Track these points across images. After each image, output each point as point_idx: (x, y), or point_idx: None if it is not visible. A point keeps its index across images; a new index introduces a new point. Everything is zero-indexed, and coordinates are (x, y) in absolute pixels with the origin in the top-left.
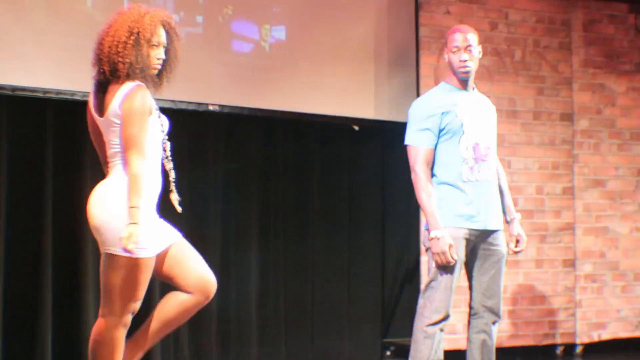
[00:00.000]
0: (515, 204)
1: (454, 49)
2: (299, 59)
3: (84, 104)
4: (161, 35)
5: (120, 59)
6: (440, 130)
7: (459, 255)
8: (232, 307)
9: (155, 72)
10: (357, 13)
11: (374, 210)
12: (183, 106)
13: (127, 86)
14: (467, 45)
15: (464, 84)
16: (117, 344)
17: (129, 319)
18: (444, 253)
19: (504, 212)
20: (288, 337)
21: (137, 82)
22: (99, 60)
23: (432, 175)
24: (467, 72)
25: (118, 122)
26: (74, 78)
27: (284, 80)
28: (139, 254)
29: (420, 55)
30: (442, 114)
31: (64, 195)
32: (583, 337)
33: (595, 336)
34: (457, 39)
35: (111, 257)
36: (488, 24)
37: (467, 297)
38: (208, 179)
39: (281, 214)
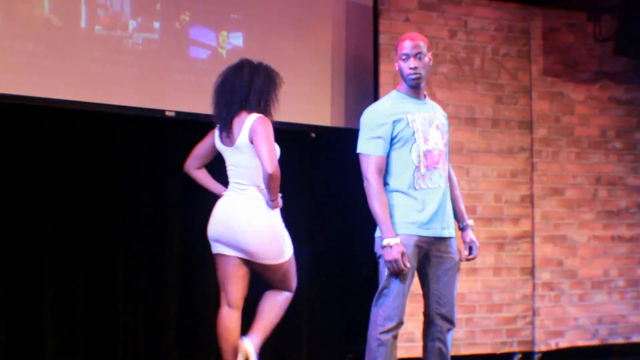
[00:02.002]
0: (474, 212)
1: (404, 57)
2: None
3: (43, 109)
4: None
5: None
6: (392, 139)
7: (411, 262)
8: (193, 310)
9: None
10: (316, 20)
11: (333, 217)
12: (139, 112)
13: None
14: (417, 53)
15: (415, 91)
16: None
17: None
18: (396, 261)
19: (457, 219)
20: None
21: None
22: None
23: (385, 183)
24: (417, 79)
25: None
26: (30, 83)
27: None
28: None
29: (379, 63)
30: (394, 122)
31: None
32: (541, 345)
33: (553, 344)
34: (407, 46)
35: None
36: (447, 32)
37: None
38: (166, 185)
39: None
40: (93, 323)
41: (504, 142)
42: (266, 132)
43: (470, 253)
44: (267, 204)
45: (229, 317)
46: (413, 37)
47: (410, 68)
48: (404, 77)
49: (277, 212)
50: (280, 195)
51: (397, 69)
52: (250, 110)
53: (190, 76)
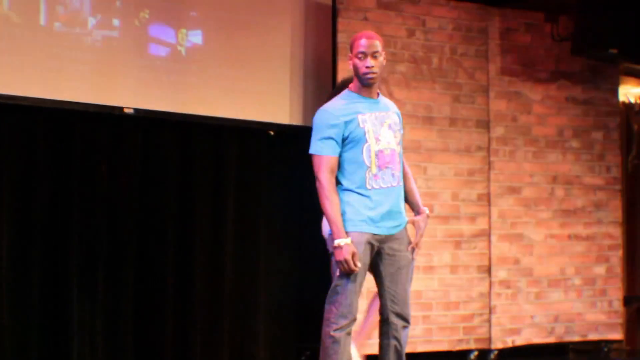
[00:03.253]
0: (431, 210)
1: (360, 55)
2: (215, 63)
3: (10, 107)
4: None
5: None
6: (344, 139)
7: (363, 260)
8: (147, 309)
9: None
10: (275, 18)
11: (290, 214)
12: (98, 110)
13: None
14: (374, 52)
15: (368, 91)
16: None
17: None
18: (347, 261)
19: (413, 210)
20: (203, 339)
21: None
22: None
23: (337, 182)
24: (372, 79)
25: None
26: None
27: (199, 84)
28: None
29: (337, 62)
30: (345, 122)
31: None
32: (497, 342)
33: (510, 342)
34: (363, 44)
35: None
36: (405, 31)
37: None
38: (123, 182)
39: (197, 218)
40: (46, 319)
41: (461, 141)
42: None
43: (416, 240)
44: None
45: None
46: (369, 35)
47: (367, 67)
48: (358, 76)
49: None
50: None
51: (351, 66)
52: None
53: (150, 73)
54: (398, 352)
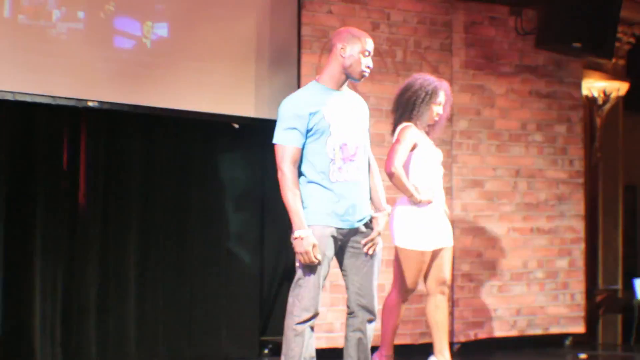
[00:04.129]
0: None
1: (367, 53)
2: (181, 56)
3: None
4: None
5: None
6: (308, 131)
7: (325, 253)
8: (110, 305)
9: None
10: (240, 11)
11: (253, 208)
12: (62, 102)
13: None
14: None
15: (336, 84)
16: None
17: None
18: (307, 253)
19: (374, 206)
20: (166, 334)
21: None
22: None
23: (301, 174)
24: (365, 77)
25: None
26: None
27: (165, 77)
28: None
29: (301, 55)
30: (310, 114)
31: None
32: (460, 336)
33: (472, 335)
34: (370, 44)
35: None
36: (370, 24)
37: (346, 296)
38: (87, 175)
39: (161, 212)
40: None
41: None
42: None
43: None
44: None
45: None
46: (368, 35)
47: (367, 67)
48: (351, 71)
49: None
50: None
51: (343, 58)
52: None
53: (115, 66)
54: (363, 345)
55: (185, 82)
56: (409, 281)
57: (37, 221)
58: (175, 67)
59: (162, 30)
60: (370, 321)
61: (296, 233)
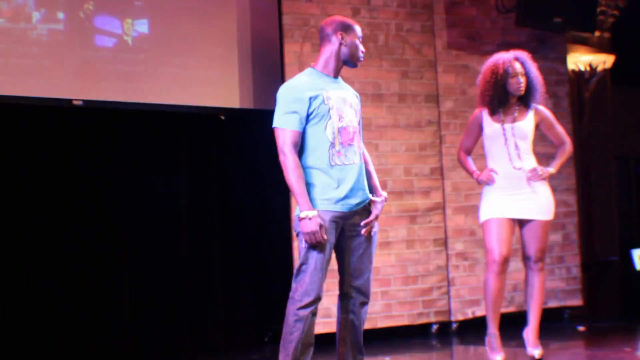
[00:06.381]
0: (385, 186)
1: (360, 40)
2: (163, 51)
3: None
4: None
5: None
6: (308, 115)
7: (329, 238)
8: (106, 297)
9: None
10: (220, 3)
11: (245, 198)
12: (47, 102)
13: None
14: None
15: (335, 71)
16: None
17: None
18: (314, 233)
19: (370, 192)
20: (165, 324)
21: None
22: None
23: (300, 159)
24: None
25: None
26: None
27: (148, 73)
28: None
29: (284, 44)
30: (310, 98)
31: None
32: (457, 314)
33: (470, 313)
34: (360, 30)
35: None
36: (350, 10)
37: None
38: (74, 173)
39: (152, 205)
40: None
41: (411, 117)
42: None
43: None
44: None
45: None
46: None
47: (362, 52)
48: (352, 57)
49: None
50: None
51: (342, 44)
52: None
53: (97, 65)
54: (355, 327)
55: (168, 77)
56: None
57: (25, 222)
58: (158, 63)
59: (142, 26)
60: (363, 304)
61: (302, 214)
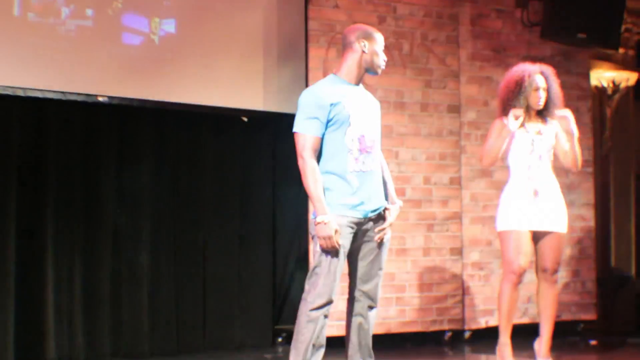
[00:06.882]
0: (403, 194)
1: (383, 47)
2: (189, 51)
3: None
4: None
5: None
6: (328, 121)
7: (343, 243)
8: (124, 295)
9: None
10: (247, 6)
11: (264, 200)
12: (73, 97)
13: None
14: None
15: (357, 78)
16: None
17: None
18: (329, 237)
19: (386, 200)
20: (180, 324)
21: None
22: None
23: (318, 164)
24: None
25: None
26: None
27: (173, 72)
28: None
29: (309, 48)
30: (331, 104)
31: None
32: (471, 323)
33: (483, 322)
34: (382, 38)
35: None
36: (376, 18)
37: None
38: (100, 169)
39: (174, 204)
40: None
41: (432, 126)
42: None
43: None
44: None
45: None
46: None
47: (385, 60)
48: (374, 65)
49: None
50: None
51: (362, 52)
52: None
53: (123, 62)
54: (364, 330)
55: (193, 77)
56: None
57: (50, 216)
58: (183, 63)
59: (169, 26)
60: (371, 308)
61: (319, 218)
